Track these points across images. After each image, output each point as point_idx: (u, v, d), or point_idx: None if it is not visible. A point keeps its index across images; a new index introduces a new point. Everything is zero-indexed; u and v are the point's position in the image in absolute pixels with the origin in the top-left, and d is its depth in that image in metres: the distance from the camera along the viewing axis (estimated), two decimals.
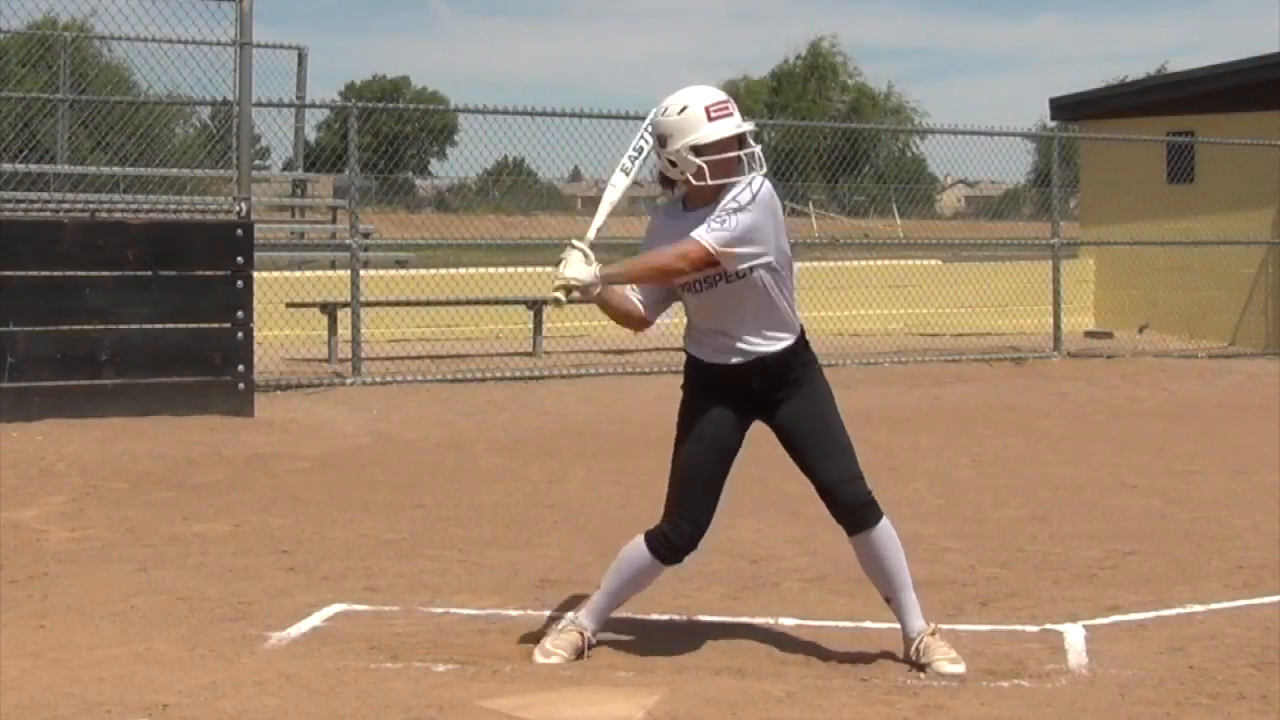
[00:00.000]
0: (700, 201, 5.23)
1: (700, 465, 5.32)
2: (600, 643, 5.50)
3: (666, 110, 5.21)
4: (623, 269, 5.19)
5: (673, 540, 5.36)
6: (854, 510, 5.31)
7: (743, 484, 7.84)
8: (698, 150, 5.14)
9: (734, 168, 5.18)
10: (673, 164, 5.19)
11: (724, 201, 5.16)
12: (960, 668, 5.27)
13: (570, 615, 5.57)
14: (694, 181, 5.18)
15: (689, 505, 5.33)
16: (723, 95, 5.26)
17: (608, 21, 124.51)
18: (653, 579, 5.52)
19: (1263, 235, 19.16)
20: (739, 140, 5.19)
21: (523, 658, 5.40)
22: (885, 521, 5.34)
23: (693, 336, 5.39)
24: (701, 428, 5.32)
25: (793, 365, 5.32)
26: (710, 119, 5.15)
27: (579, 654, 5.41)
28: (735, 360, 5.27)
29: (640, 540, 5.42)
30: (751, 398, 5.30)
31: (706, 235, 5.10)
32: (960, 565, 7.03)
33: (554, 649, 5.40)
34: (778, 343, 5.28)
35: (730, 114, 5.19)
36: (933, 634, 5.37)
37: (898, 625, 5.43)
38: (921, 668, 5.30)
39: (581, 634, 5.45)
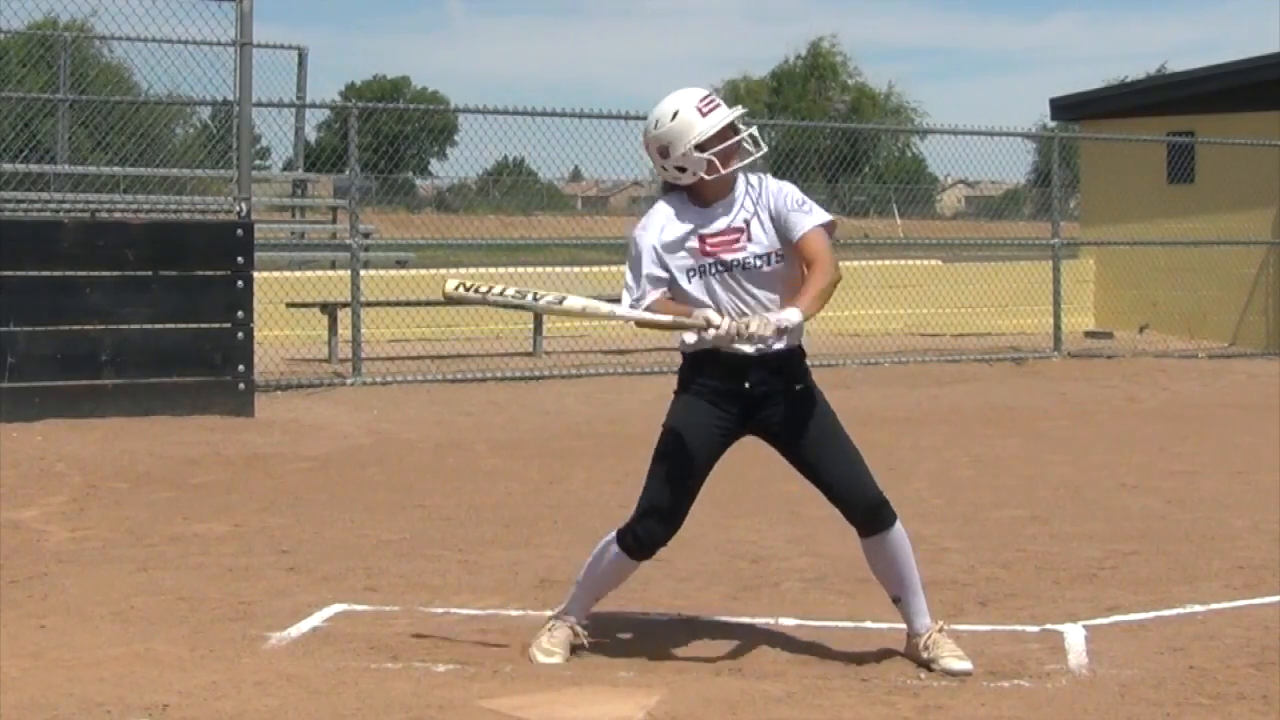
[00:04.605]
0: (715, 195, 5.27)
1: (684, 470, 5.28)
2: (590, 633, 5.49)
3: (658, 123, 5.24)
4: (817, 300, 5.15)
5: (644, 540, 5.32)
6: (870, 511, 5.29)
7: (743, 484, 7.88)
8: (701, 147, 5.19)
9: (737, 152, 5.27)
10: (681, 170, 5.23)
11: (786, 193, 5.24)
12: (968, 665, 5.25)
13: (553, 612, 5.55)
14: (707, 177, 5.23)
15: (666, 507, 5.28)
16: (705, 90, 5.33)
17: (621, 21, 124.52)
18: (629, 574, 5.49)
19: (1263, 235, 19.17)
20: (733, 127, 5.26)
21: (523, 658, 5.40)
22: (898, 523, 5.34)
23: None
24: (692, 433, 5.27)
25: (797, 368, 5.31)
26: (703, 115, 5.22)
27: (574, 648, 5.42)
28: (747, 350, 5.18)
29: (613, 537, 5.39)
30: (749, 400, 5.25)
31: (821, 220, 5.19)
32: (960, 565, 7.03)
33: (551, 647, 5.40)
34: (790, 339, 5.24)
35: (718, 105, 5.28)
36: (940, 631, 5.37)
37: (899, 625, 5.42)
38: (927, 664, 5.29)
39: (572, 628, 5.45)
